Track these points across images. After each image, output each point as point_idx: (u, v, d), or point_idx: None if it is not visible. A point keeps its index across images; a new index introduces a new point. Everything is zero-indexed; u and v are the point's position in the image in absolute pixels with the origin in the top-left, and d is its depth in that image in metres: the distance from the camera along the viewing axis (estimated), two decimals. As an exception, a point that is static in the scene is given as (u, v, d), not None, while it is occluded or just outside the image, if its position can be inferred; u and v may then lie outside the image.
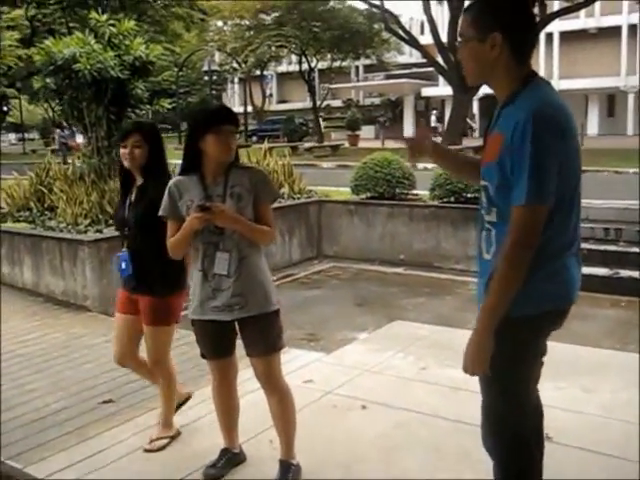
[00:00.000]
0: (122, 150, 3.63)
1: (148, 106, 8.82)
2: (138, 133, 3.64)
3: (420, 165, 17.37)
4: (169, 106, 9.45)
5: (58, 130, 33.43)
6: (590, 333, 6.17)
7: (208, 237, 3.11)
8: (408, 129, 46.37)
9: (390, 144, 30.07)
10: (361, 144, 33.61)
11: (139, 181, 3.69)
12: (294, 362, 5.08)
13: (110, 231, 7.89)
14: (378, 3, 28.27)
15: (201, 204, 3.02)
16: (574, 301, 2.40)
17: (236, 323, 3.21)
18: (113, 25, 8.40)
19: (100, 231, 7.80)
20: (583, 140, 28.42)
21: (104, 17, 8.36)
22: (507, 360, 2.36)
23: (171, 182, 3.23)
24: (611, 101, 39.87)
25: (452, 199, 9.69)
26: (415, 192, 10.63)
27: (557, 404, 3.98)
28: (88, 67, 7.89)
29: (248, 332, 3.21)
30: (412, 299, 7.58)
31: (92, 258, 6.99)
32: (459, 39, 2.46)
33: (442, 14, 33.97)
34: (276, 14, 34.43)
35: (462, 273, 8.90)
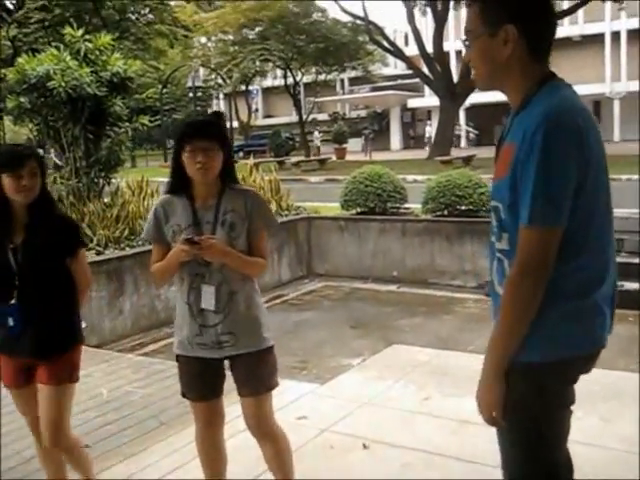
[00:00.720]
0: (10, 180, 2.86)
1: (128, 124, 8.46)
2: (34, 159, 2.95)
3: (409, 177, 17.18)
4: (149, 123, 9.10)
5: (52, 150, 32.93)
6: (602, 352, 5.82)
7: (195, 268, 2.80)
8: (395, 141, 46.26)
9: (377, 156, 29.90)
10: (348, 157, 33.42)
11: (24, 219, 2.98)
12: (285, 395, 4.70)
13: (91, 255, 7.53)
14: (362, 15, 28.13)
15: (189, 237, 2.70)
16: (605, 345, 2.04)
17: (226, 361, 2.92)
18: (89, 40, 8.07)
19: (79, 256, 7.42)
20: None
21: (79, 32, 8.02)
22: (528, 413, 2.00)
23: (157, 202, 2.92)
24: (597, 107, 39.80)
25: (445, 212, 9.38)
26: (407, 206, 10.33)
27: (576, 437, 3.62)
28: (63, 84, 7.56)
29: (238, 370, 2.91)
30: (408, 319, 7.24)
31: (70, 286, 6.60)
32: (464, 38, 2.10)
33: (426, 25, 33.87)
34: (260, 28, 34.22)
35: (459, 289, 8.58)
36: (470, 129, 39.51)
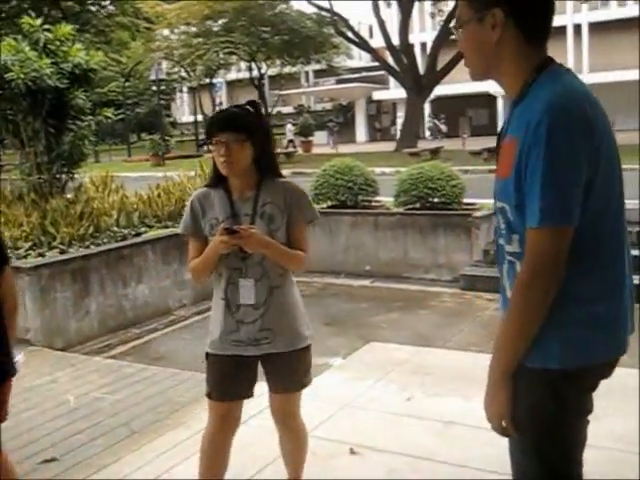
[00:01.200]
0: None
1: (91, 117, 8.15)
2: None
3: (378, 170, 17.07)
4: (113, 116, 8.80)
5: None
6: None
7: (233, 262, 2.72)
8: (360, 133, 46.19)
9: (343, 149, 29.78)
10: (314, 150, 33.24)
11: None
12: (263, 398, 4.49)
13: (54, 254, 7.25)
14: (327, 7, 27.94)
15: (227, 227, 2.61)
16: (625, 351, 1.90)
17: (259, 359, 2.84)
18: (48, 30, 7.73)
19: (42, 255, 7.15)
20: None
21: (38, 21, 7.69)
22: (543, 421, 1.87)
23: (194, 195, 2.85)
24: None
25: (418, 205, 9.24)
26: (378, 199, 10.17)
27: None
28: (22, 76, 7.23)
29: (273, 368, 2.85)
30: (385, 315, 7.08)
31: (32, 286, 6.31)
32: (455, 25, 1.95)
33: (391, 17, 33.78)
34: (224, 20, 33.81)
35: (433, 283, 8.45)
36: (437, 122, 39.57)
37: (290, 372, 2.85)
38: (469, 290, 7.87)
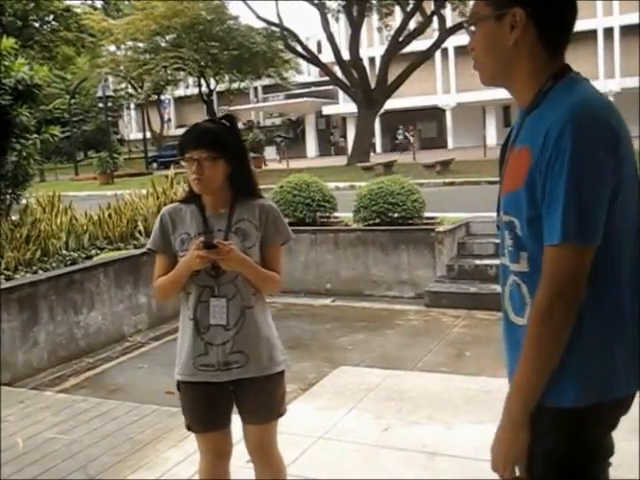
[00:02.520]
0: None
1: (36, 135, 7.75)
2: None
3: (331, 185, 16.91)
4: (59, 134, 8.41)
5: None
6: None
7: (204, 280, 2.56)
8: (311, 148, 46.15)
9: (294, 164, 29.60)
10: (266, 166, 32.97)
11: None
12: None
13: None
14: (276, 21, 27.84)
15: (206, 240, 2.47)
16: None
17: (231, 385, 2.64)
18: (-11, 44, 7.34)
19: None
20: (486, 151, 28.83)
21: (-23, 35, 7.29)
22: (559, 467, 1.66)
23: (164, 210, 2.71)
24: (507, 112, 40.80)
25: (377, 220, 9.07)
26: (336, 215, 9.98)
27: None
28: (-39, 93, 6.82)
29: (245, 396, 2.65)
30: (350, 336, 6.85)
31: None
32: (467, 22, 1.77)
33: (339, 32, 33.88)
34: (172, 36, 33.38)
35: (396, 300, 8.29)
36: (407, 134, 39.51)
37: (265, 400, 2.66)
38: (434, 307, 7.72)
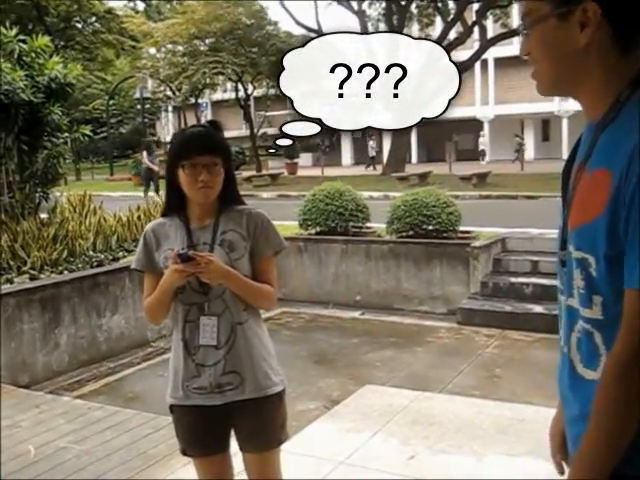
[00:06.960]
0: None
1: (67, 134, 7.67)
2: None
3: (365, 194, 16.71)
4: (91, 134, 8.32)
5: None
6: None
7: (190, 297, 2.40)
8: (346, 156, 45.96)
9: (329, 172, 29.44)
10: (299, 172, 32.89)
11: None
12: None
13: (23, 280, 6.75)
14: (315, 27, 27.76)
15: (181, 252, 2.29)
16: None
17: (226, 408, 2.44)
18: (23, 41, 7.27)
19: (11, 281, 6.64)
20: (523, 165, 28.35)
21: (12, 32, 7.21)
22: None
23: (148, 227, 2.57)
24: (546, 125, 40.22)
25: (411, 233, 8.83)
26: (369, 225, 9.76)
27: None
28: (-7, 89, 6.75)
29: (243, 420, 2.46)
30: (378, 352, 6.61)
31: (-4, 316, 5.79)
32: (521, 25, 1.48)
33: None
34: (211, 40, 33.47)
35: (427, 316, 8.02)
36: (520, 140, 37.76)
37: (263, 424, 2.46)
38: (466, 325, 7.45)
